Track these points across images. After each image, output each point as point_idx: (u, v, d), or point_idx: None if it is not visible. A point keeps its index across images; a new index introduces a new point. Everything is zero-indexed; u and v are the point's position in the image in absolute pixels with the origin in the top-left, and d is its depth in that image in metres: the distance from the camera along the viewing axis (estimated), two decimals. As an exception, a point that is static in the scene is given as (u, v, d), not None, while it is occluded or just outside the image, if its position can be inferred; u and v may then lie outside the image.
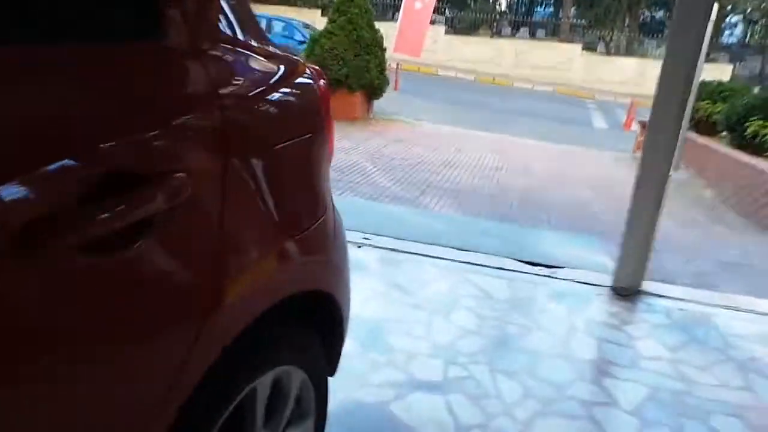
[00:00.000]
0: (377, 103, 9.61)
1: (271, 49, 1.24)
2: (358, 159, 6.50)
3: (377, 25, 9.05)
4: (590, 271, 3.46)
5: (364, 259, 3.28)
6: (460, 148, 7.87)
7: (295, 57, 1.35)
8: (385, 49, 9.11)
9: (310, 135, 1.27)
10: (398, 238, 3.66)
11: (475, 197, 5.43)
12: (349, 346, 2.40)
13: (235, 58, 1.07)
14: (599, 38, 26.65)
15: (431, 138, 8.52)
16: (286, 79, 1.22)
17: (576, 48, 22.33)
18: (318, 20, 17.26)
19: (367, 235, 3.62)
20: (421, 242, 3.64)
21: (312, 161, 1.28)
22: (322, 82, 1.37)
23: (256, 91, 1.10)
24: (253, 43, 1.17)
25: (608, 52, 25.53)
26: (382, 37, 9.02)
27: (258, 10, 15.04)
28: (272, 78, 1.17)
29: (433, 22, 16.67)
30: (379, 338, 2.47)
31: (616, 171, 7.83)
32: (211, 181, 0.91)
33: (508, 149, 8.28)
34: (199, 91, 0.94)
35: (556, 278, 3.30)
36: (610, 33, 27.36)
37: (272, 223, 1.09)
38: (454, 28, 25.10)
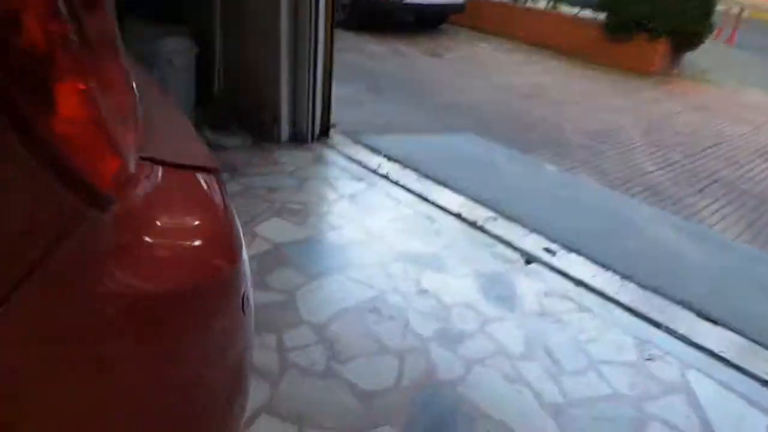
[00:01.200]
0: (690, 57, 7.38)
1: None
2: (625, 124, 4.92)
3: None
4: None
5: (522, 286, 2.13)
6: (797, 132, 5.43)
7: None
8: (718, -17, 6.78)
9: None
10: (599, 264, 2.34)
11: (787, 216, 3.48)
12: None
13: None
14: None
15: (751, 112, 6.11)
16: None
17: None
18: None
19: (552, 246, 2.41)
20: (632, 281, 2.26)
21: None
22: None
23: None
24: None
25: None
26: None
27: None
28: None
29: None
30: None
31: None
32: None
33: None
34: None
35: None
36: None
37: None
38: None
